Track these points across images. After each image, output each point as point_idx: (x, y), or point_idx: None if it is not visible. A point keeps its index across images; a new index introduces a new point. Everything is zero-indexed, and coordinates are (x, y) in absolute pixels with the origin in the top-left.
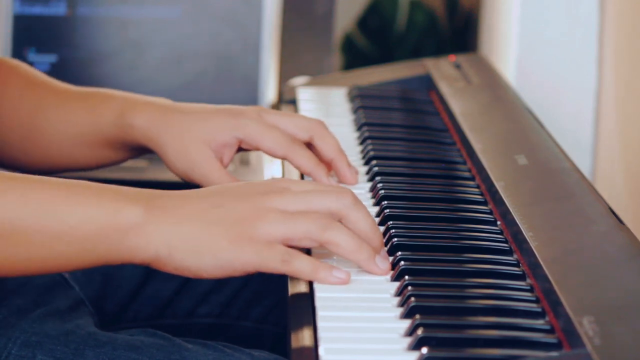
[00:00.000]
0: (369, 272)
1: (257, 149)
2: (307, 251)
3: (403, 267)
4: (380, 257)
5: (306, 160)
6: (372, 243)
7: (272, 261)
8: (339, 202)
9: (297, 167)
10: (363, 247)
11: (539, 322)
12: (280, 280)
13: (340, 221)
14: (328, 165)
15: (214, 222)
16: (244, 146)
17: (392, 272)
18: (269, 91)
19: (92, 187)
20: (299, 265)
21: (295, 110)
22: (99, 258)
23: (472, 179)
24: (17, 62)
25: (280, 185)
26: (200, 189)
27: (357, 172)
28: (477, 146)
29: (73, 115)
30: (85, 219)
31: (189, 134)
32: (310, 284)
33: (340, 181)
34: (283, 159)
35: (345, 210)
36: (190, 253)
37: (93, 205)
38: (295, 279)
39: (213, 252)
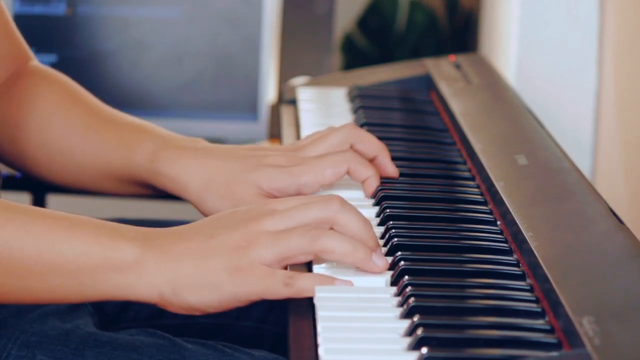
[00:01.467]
0: (368, 271)
1: (320, 187)
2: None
3: (403, 267)
4: (376, 255)
5: (364, 167)
6: (366, 242)
7: (275, 287)
8: (327, 209)
9: (356, 177)
10: (358, 248)
11: (538, 322)
12: None
13: (332, 228)
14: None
15: (210, 256)
16: (304, 191)
17: (392, 272)
18: (269, 91)
19: (91, 223)
20: (302, 285)
21: (295, 110)
22: (99, 294)
23: (472, 179)
24: (50, 72)
25: (268, 207)
26: (192, 223)
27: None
28: (477, 146)
29: (103, 147)
30: (82, 253)
31: (239, 180)
32: None
33: (382, 175)
34: (347, 174)
35: (335, 215)
36: (193, 291)
37: (90, 241)
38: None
39: (216, 287)
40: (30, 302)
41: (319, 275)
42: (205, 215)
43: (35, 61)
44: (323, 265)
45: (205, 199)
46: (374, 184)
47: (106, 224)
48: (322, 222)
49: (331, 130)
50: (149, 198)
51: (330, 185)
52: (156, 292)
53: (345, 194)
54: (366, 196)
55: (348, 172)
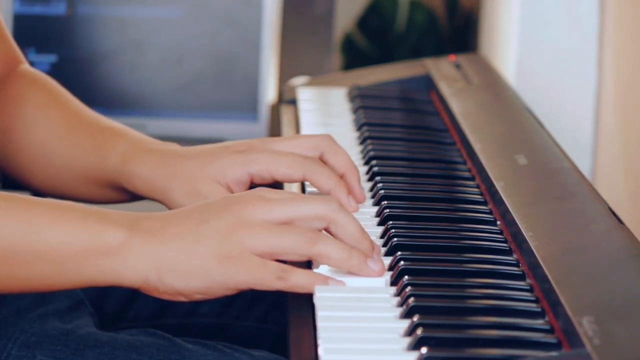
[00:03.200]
0: (365, 275)
1: (273, 180)
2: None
3: (403, 267)
4: (371, 260)
5: (326, 178)
6: (362, 246)
7: (267, 279)
8: (326, 206)
9: (318, 187)
10: (353, 254)
11: (538, 322)
12: None
13: (327, 227)
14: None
15: (200, 241)
16: (257, 181)
17: (391, 272)
18: (269, 91)
19: (77, 208)
20: (296, 280)
21: (296, 110)
22: (84, 280)
23: (472, 179)
24: (38, 75)
25: (260, 194)
26: (182, 208)
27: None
28: (477, 146)
29: (80, 150)
30: (67, 239)
31: (198, 176)
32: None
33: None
34: (302, 181)
35: (333, 214)
36: (180, 276)
37: (76, 226)
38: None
39: (204, 273)
40: (14, 290)
41: (312, 272)
42: None
43: (25, 65)
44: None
45: (172, 197)
46: (340, 194)
47: (93, 209)
48: (320, 218)
49: (308, 134)
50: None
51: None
52: (141, 277)
53: None
54: None
55: (307, 181)
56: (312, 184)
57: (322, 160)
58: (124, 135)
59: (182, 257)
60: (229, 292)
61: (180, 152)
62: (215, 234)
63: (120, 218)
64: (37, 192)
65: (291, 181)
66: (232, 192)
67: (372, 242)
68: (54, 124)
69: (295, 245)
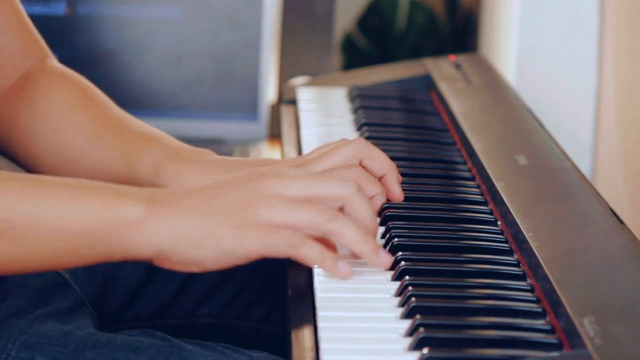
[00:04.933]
0: (372, 265)
1: None
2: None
3: (403, 267)
4: (383, 251)
5: (372, 186)
6: (371, 232)
7: (278, 246)
8: (344, 188)
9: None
10: (368, 239)
11: (539, 323)
12: (281, 281)
13: (341, 208)
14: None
15: (215, 212)
16: None
17: (392, 272)
18: (269, 91)
19: (92, 184)
20: (307, 251)
21: (296, 110)
22: (99, 255)
23: (472, 179)
24: (66, 73)
25: (280, 170)
26: (200, 185)
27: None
28: (477, 146)
29: (109, 156)
30: (84, 214)
31: None
32: (310, 283)
33: (387, 196)
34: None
35: (350, 197)
36: (193, 245)
37: (92, 201)
38: (295, 278)
39: (216, 241)
40: (32, 269)
41: (325, 249)
42: None
43: (51, 59)
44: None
45: None
46: (379, 202)
47: (109, 185)
48: (336, 199)
49: (340, 144)
50: None
51: None
52: (155, 248)
53: None
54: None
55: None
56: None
57: (361, 166)
58: (156, 141)
59: (195, 227)
60: (239, 262)
61: (218, 166)
62: (231, 205)
63: (137, 192)
64: None
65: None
66: None
67: (377, 232)
68: (83, 127)
69: (312, 220)
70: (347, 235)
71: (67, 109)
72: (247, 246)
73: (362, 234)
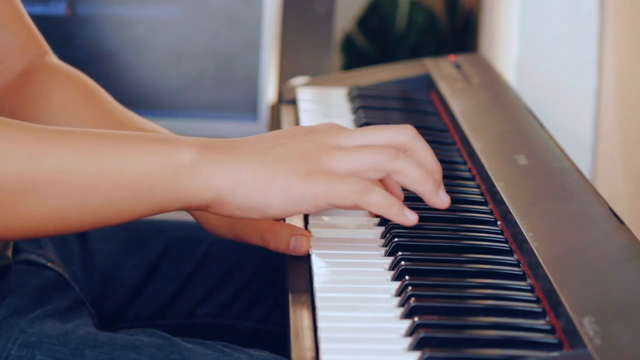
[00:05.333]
0: (432, 204)
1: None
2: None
3: (403, 267)
4: (443, 191)
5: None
6: (435, 175)
7: (346, 192)
8: (403, 135)
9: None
10: (429, 178)
11: (539, 323)
12: (281, 281)
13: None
14: None
15: (278, 159)
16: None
17: (392, 272)
18: (269, 91)
19: (142, 134)
20: (375, 198)
21: (295, 110)
22: (155, 204)
23: (472, 179)
24: (65, 69)
25: (336, 126)
26: (250, 137)
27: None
28: (477, 146)
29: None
30: (138, 161)
31: None
32: (310, 284)
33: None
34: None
35: (410, 142)
36: (257, 189)
37: (145, 149)
38: (295, 278)
39: (282, 186)
40: (86, 224)
41: (392, 196)
42: (204, 227)
43: (50, 56)
44: (322, 271)
45: (204, 213)
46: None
47: (158, 135)
48: (397, 146)
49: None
50: None
51: None
52: (213, 192)
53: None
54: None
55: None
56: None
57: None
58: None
59: (259, 171)
60: (305, 208)
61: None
62: (294, 154)
63: (189, 139)
64: None
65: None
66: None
67: (441, 175)
68: (81, 123)
69: (375, 161)
70: (410, 173)
71: (66, 105)
72: (315, 192)
73: (423, 172)
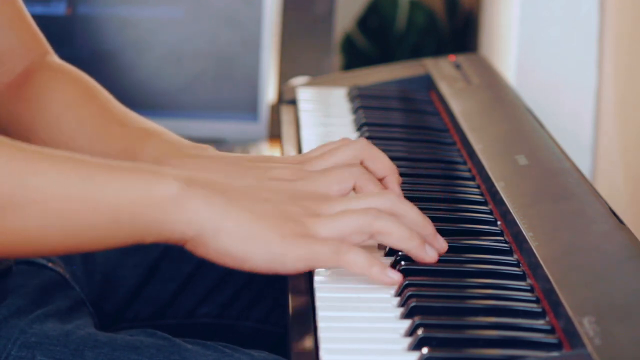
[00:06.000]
0: (419, 260)
1: None
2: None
3: (403, 267)
4: (429, 246)
5: (372, 186)
6: (424, 231)
7: (325, 255)
8: (385, 200)
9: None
10: (414, 235)
11: (539, 323)
12: (281, 281)
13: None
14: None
15: (265, 216)
16: None
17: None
18: (269, 91)
19: (131, 163)
20: (354, 258)
21: (295, 110)
22: (134, 234)
23: (472, 179)
24: (66, 69)
25: (324, 189)
26: (238, 161)
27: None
28: (477, 146)
29: (109, 151)
30: (122, 188)
31: None
32: (310, 284)
33: None
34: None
35: (393, 207)
36: (241, 239)
37: (131, 177)
38: (295, 278)
39: (265, 243)
40: (68, 247)
41: (372, 256)
42: None
43: (52, 56)
44: (322, 271)
45: None
46: None
47: (148, 165)
48: (383, 211)
49: (341, 143)
50: None
51: None
52: (194, 230)
53: None
54: None
55: (354, 189)
56: (358, 192)
57: (362, 166)
58: (156, 136)
59: (246, 222)
60: (283, 269)
61: (216, 162)
62: (280, 215)
63: (176, 171)
64: None
65: (344, 195)
66: None
67: (433, 228)
68: (83, 123)
69: (358, 224)
70: (394, 232)
71: (67, 104)
72: (296, 254)
73: (407, 230)
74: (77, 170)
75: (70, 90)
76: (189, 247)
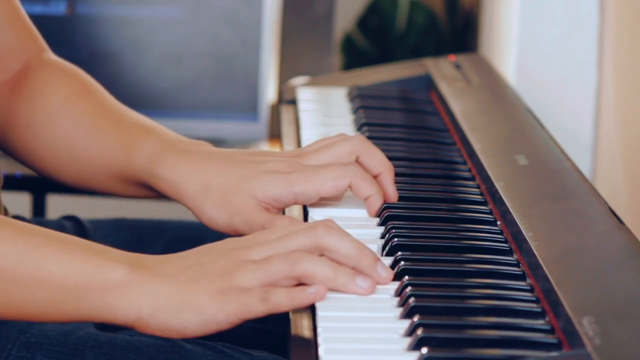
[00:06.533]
0: (353, 294)
1: (319, 197)
2: None
3: (403, 267)
4: (360, 278)
5: (369, 185)
6: (362, 263)
7: (252, 305)
8: (311, 236)
9: (358, 193)
10: (339, 272)
11: (539, 322)
12: None
13: (323, 255)
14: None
15: (194, 279)
16: (302, 201)
17: (392, 272)
18: (269, 91)
19: (80, 242)
20: (277, 299)
21: (295, 110)
22: (80, 314)
23: (472, 179)
24: (63, 66)
25: (259, 238)
26: (187, 251)
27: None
28: (477, 146)
29: (107, 147)
30: (67, 270)
31: (234, 188)
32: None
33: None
34: (347, 189)
35: (321, 242)
36: (173, 312)
37: (76, 259)
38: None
39: (196, 308)
40: (12, 317)
41: (294, 290)
42: (203, 222)
43: (48, 53)
44: None
45: (202, 207)
46: (377, 202)
47: (95, 245)
48: (310, 249)
49: (338, 139)
50: (153, 199)
51: (331, 198)
52: (135, 314)
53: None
54: (369, 215)
55: (350, 187)
56: (353, 190)
57: (357, 163)
58: (153, 132)
59: (176, 294)
60: (222, 327)
61: (214, 157)
62: (209, 273)
63: (121, 256)
64: (67, 186)
65: (338, 193)
66: (269, 208)
67: (372, 256)
68: (80, 119)
69: (279, 270)
70: (317, 274)
71: (64, 101)
72: (227, 312)
73: (332, 270)
74: (26, 245)
75: (67, 87)
76: (138, 329)
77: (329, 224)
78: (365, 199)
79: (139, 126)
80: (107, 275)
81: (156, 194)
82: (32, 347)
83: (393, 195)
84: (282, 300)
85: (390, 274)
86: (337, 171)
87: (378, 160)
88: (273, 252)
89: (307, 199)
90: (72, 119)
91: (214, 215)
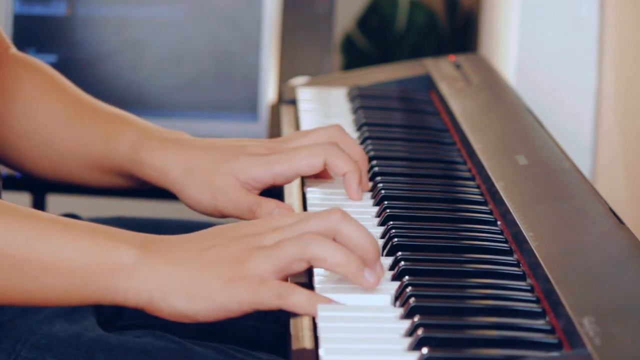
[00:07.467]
0: (358, 285)
1: (297, 176)
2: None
3: (403, 267)
4: (368, 271)
5: (345, 161)
6: (369, 255)
7: (267, 297)
8: (326, 221)
9: (335, 170)
10: (351, 260)
11: (539, 323)
12: None
13: (335, 239)
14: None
15: (206, 265)
16: (281, 181)
17: (392, 272)
18: (269, 91)
19: (88, 225)
20: (296, 299)
21: (295, 110)
22: (88, 296)
23: (472, 179)
24: (32, 60)
25: (271, 224)
26: (195, 232)
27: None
28: (477, 146)
29: (86, 137)
30: (75, 253)
31: (216, 169)
32: (310, 284)
33: (346, 188)
34: (323, 167)
35: (335, 227)
36: (185, 297)
37: (85, 241)
38: (295, 278)
39: (208, 295)
40: (22, 303)
41: (314, 294)
42: (188, 204)
43: (13, 49)
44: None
45: (186, 188)
46: (353, 180)
47: (103, 227)
48: (323, 233)
49: (317, 128)
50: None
51: (318, 178)
52: (146, 297)
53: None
54: (349, 196)
55: (326, 166)
56: (330, 168)
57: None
58: (132, 122)
59: (187, 279)
60: (233, 314)
61: (195, 143)
62: (221, 259)
63: (131, 237)
64: (40, 180)
65: (314, 171)
66: (250, 190)
67: (379, 253)
68: (56, 110)
69: (290, 253)
70: (328, 258)
71: (37, 94)
72: (239, 300)
73: (344, 256)
74: (32, 230)
75: (39, 80)
76: (147, 311)
77: (344, 212)
78: (344, 177)
79: (117, 116)
80: (115, 258)
81: (136, 183)
82: (43, 348)
83: (365, 185)
84: (300, 303)
85: (383, 275)
86: (312, 149)
87: (353, 150)
88: (286, 236)
89: (285, 178)
90: (49, 110)
91: (198, 196)
